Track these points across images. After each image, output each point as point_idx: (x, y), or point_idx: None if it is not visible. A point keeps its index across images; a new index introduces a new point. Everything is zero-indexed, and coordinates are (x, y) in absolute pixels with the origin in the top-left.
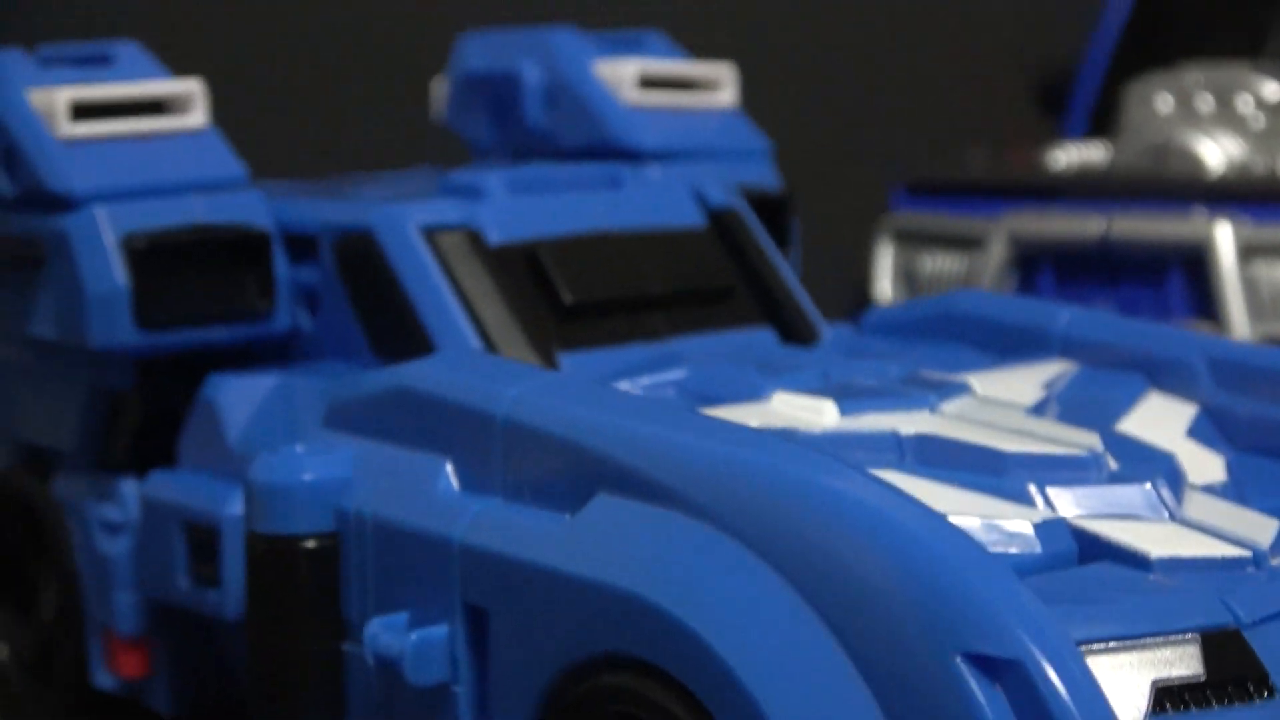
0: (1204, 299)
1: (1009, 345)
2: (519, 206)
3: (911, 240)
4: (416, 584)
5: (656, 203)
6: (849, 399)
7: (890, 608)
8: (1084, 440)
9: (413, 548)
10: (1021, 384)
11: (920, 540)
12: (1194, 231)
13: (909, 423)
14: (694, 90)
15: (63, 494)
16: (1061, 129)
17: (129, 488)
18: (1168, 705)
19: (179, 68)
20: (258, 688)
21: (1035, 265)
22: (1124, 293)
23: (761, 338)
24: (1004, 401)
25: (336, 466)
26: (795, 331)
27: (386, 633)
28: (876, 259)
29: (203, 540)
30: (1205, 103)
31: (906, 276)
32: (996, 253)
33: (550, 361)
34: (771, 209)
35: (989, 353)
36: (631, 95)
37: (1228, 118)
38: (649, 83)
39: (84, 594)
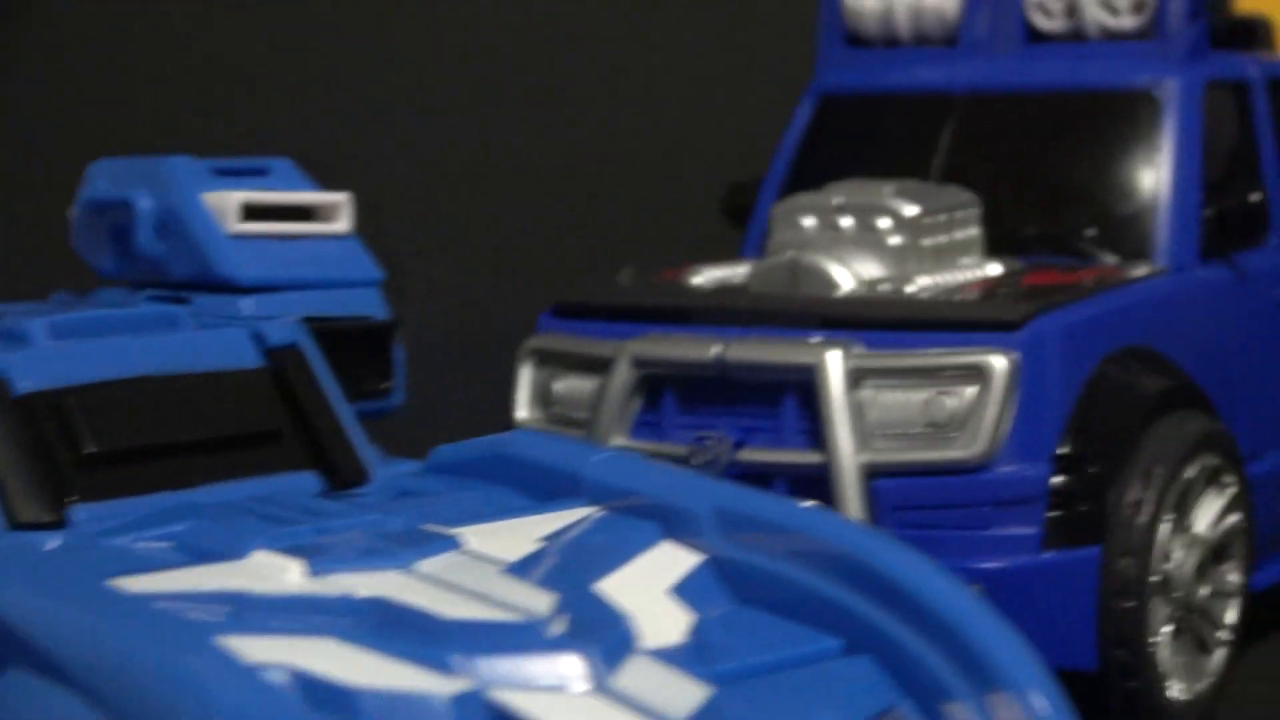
0: (818, 427)
1: (547, 489)
2: (57, 353)
3: (550, 362)
4: None
5: (210, 345)
6: (322, 558)
7: None
8: (535, 605)
9: None
10: (522, 536)
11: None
12: (804, 356)
13: (372, 584)
14: (310, 220)
15: None
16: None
17: None
18: None
19: None
20: None
21: (659, 389)
22: (743, 418)
23: (301, 483)
24: (488, 557)
25: None
26: (341, 475)
27: None
28: (518, 382)
29: None
30: (847, 222)
31: (544, 400)
32: (621, 376)
33: (58, 514)
34: (376, 339)
35: (530, 496)
36: (236, 225)
37: (867, 237)
38: (258, 212)
39: None
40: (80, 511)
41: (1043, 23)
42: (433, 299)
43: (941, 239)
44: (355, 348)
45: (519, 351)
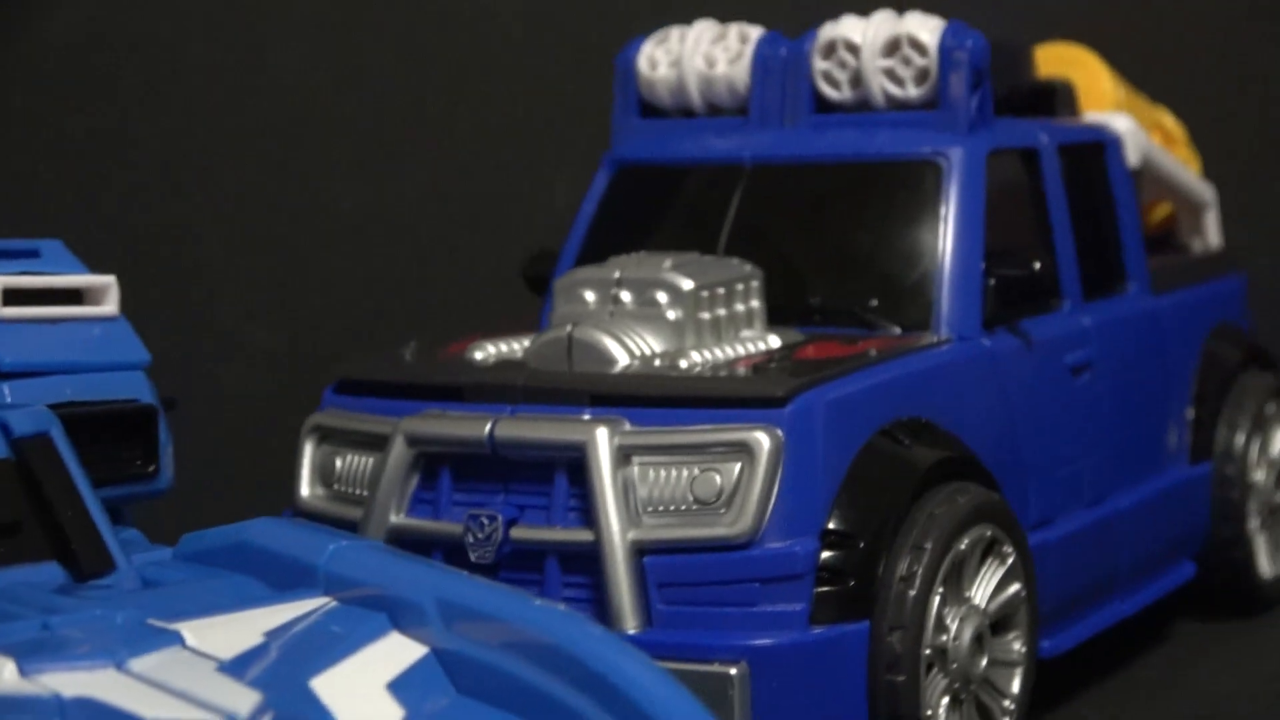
0: (589, 505)
1: (285, 579)
2: None
3: (331, 439)
4: None
5: None
6: (35, 656)
7: None
8: (239, 704)
9: None
10: (247, 629)
11: None
12: (572, 434)
13: (82, 684)
14: (78, 302)
15: None
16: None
17: None
18: None
19: None
20: None
21: (436, 467)
22: (516, 496)
23: (42, 574)
24: (205, 654)
25: None
26: (85, 566)
27: None
28: (300, 459)
29: None
30: (626, 296)
31: (325, 477)
32: (398, 453)
33: None
34: (141, 422)
35: (269, 586)
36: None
37: (645, 311)
38: (23, 296)
39: None
40: None
41: (830, 93)
42: (257, 366)
43: (721, 312)
44: (121, 431)
45: (302, 428)
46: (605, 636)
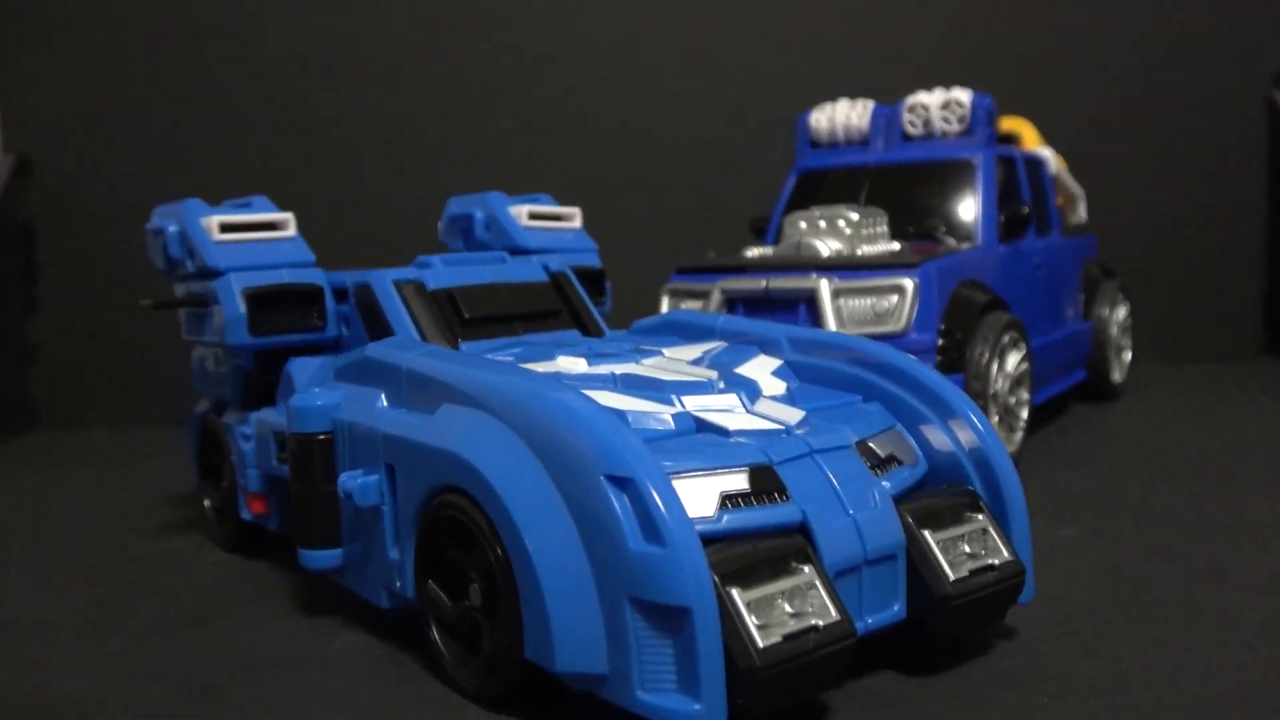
0: (817, 320)
1: (696, 335)
2: (447, 271)
3: (678, 296)
4: (365, 455)
5: (520, 270)
6: (593, 358)
7: (571, 453)
8: (708, 374)
9: (363, 437)
10: (691, 351)
11: (587, 418)
12: (810, 284)
13: (621, 368)
14: (561, 220)
15: (227, 422)
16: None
17: (253, 417)
18: (728, 504)
19: (282, 203)
20: (298, 511)
21: (734, 305)
22: (778, 317)
23: (571, 335)
24: (677, 359)
25: (333, 397)
26: (590, 332)
27: (349, 480)
28: (662, 306)
29: (281, 441)
30: (823, 223)
31: None
32: (715, 300)
33: (454, 345)
34: (596, 278)
35: (686, 339)
36: (526, 222)
37: (833, 230)
38: (535, 216)
39: (235, 472)
40: (464, 345)
41: (911, 130)
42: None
43: (869, 231)
44: (587, 281)
45: (661, 291)
46: (888, 347)
